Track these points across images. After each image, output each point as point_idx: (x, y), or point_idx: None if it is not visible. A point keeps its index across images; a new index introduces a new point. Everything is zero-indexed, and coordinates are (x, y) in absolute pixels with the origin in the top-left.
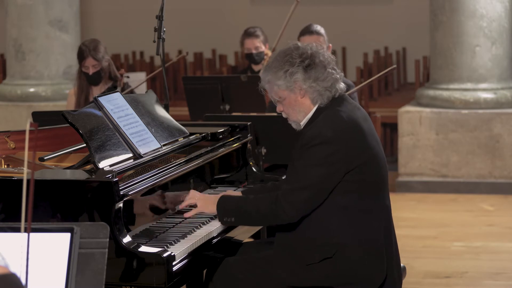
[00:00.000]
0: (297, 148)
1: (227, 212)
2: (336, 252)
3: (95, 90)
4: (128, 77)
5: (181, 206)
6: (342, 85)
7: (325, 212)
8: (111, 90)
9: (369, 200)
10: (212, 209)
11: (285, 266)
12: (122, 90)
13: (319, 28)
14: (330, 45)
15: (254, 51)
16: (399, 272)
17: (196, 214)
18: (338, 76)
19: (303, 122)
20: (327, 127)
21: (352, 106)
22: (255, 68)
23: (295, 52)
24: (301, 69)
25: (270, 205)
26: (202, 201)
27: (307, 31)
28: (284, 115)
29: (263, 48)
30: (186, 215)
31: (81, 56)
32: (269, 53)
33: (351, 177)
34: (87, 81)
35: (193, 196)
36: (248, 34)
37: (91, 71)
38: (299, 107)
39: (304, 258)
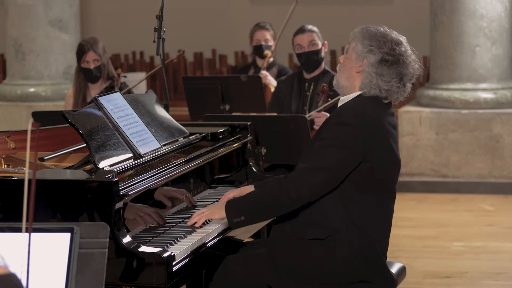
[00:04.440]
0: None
1: (237, 212)
2: (328, 237)
3: (93, 90)
4: (125, 76)
5: (189, 223)
6: (397, 97)
7: (327, 198)
8: (109, 90)
9: (377, 203)
10: (220, 214)
11: (279, 252)
12: (119, 90)
13: (311, 26)
14: (326, 42)
15: (263, 43)
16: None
17: (200, 218)
18: (400, 90)
19: (342, 98)
20: (352, 110)
21: (389, 113)
22: (259, 63)
23: (392, 43)
24: (379, 57)
25: (279, 187)
26: (209, 209)
27: (300, 30)
28: (337, 67)
29: (272, 42)
30: (191, 223)
31: (82, 50)
32: (269, 53)
33: (365, 169)
34: (87, 77)
35: (199, 212)
36: (260, 26)
37: (92, 65)
38: (348, 74)
39: (296, 233)
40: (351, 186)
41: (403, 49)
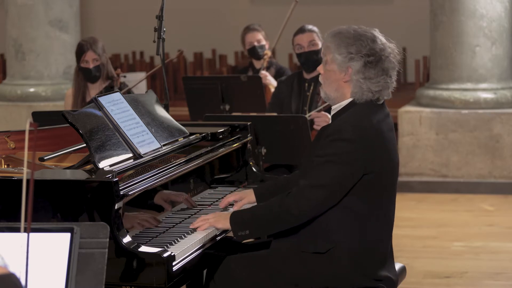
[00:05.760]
0: (321, 139)
1: (241, 225)
2: (330, 250)
3: (92, 90)
4: (124, 76)
5: (192, 226)
6: (388, 93)
7: (328, 211)
8: (108, 89)
9: (376, 207)
10: (225, 224)
11: (281, 258)
12: (119, 90)
13: (311, 26)
14: None
15: (256, 44)
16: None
17: (203, 223)
18: (389, 84)
19: (334, 107)
20: (350, 124)
21: (384, 114)
22: (257, 64)
23: (368, 42)
24: (362, 62)
25: (281, 204)
26: (215, 217)
27: (300, 30)
28: (319, 79)
29: (265, 42)
30: (195, 227)
31: (81, 50)
32: (269, 53)
33: (365, 181)
34: (86, 77)
35: (204, 218)
36: (249, 28)
37: (91, 65)
38: (336, 85)
39: (298, 246)
40: (353, 197)
41: (380, 43)
